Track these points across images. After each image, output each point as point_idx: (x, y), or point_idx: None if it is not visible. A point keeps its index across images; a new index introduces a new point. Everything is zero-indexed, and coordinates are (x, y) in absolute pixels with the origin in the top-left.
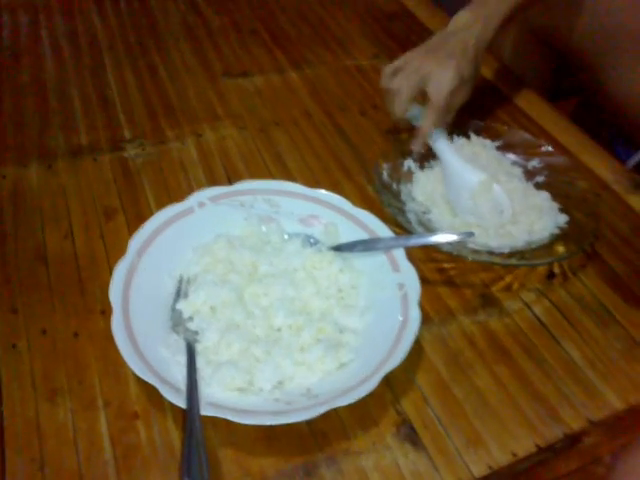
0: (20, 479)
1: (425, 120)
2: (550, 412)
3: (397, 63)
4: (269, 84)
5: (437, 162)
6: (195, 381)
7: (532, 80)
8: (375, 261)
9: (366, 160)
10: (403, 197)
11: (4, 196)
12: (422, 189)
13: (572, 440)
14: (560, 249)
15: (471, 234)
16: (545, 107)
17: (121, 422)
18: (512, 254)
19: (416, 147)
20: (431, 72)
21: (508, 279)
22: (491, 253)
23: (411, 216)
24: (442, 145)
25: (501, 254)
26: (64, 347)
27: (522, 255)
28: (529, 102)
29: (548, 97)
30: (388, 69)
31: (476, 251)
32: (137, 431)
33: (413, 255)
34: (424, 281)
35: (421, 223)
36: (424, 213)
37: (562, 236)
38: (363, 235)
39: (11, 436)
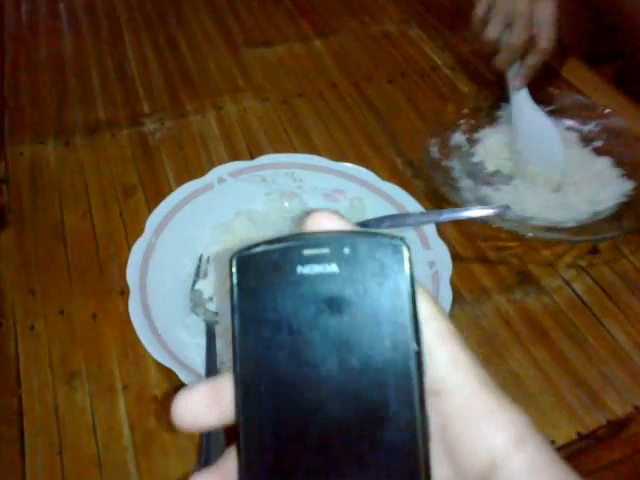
0: (39, 464)
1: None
2: (592, 397)
3: (484, 15)
4: (292, 54)
5: (485, 132)
6: (215, 365)
7: (570, 44)
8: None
9: (394, 131)
10: (456, 174)
11: (22, 174)
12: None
13: (616, 427)
14: (630, 219)
15: (507, 208)
16: (586, 72)
17: (140, 406)
18: (578, 229)
19: (502, 65)
20: (528, 7)
21: (546, 254)
22: (554, 228)
23: (466, 194)
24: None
25: (567, 229)
26: (82, 329)
27: (588, 229)
28: (569, 67)
29: (588, 61)
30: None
31: (539, 227)
32: (156, 416)
33: (444, 227)
34: (456, 258)
35: (479, 201)
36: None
37: (630, 204)
38: (391, 210)
39: (30, 420)
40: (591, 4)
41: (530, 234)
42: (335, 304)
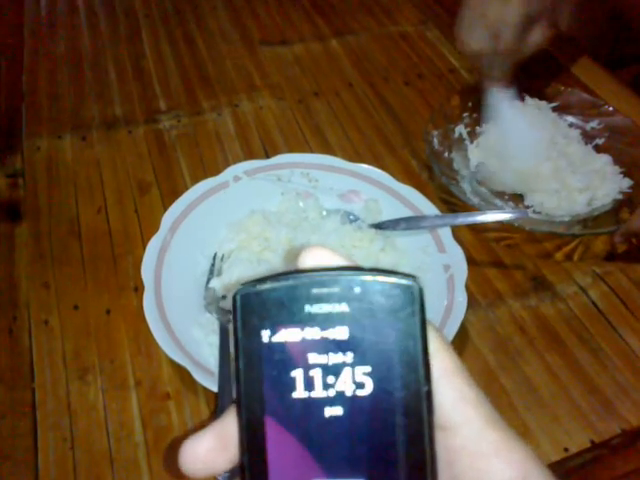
0: (51, 458)
1: (496, 66)
2: (606, 405)
3: (461, 21)
4: (309, 53)
5: (488, 126)
6: (228, 364)
7: (589, 47)
8: (419, 240)
9: (410, 133)
10: (456, 166)
11: (38, 168)
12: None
13: (630, 436)
14: (626, 216)
15: (525, 213)
16: (604, 75)
17: (152, 403)
18: (573, 223)
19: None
20: (495, 11)
21: (561, 259)
22: (551, 221)
23: (465, 186)
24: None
25: (562, 222)
26: (96, 324)
27: (584, 223)
28: (586, 70)
29: (606, 65)
30: (457, 32)
31: (535, 220)
32: (168, 413)
33: (459, 231)
34: (471, 262)
35: (476, 193)
36: (479, 184)
37: (626, 202)
38: (406, 212)
39: (43, 413)
40: (612, 2)
41: (527, 227)
42: (344, 344)
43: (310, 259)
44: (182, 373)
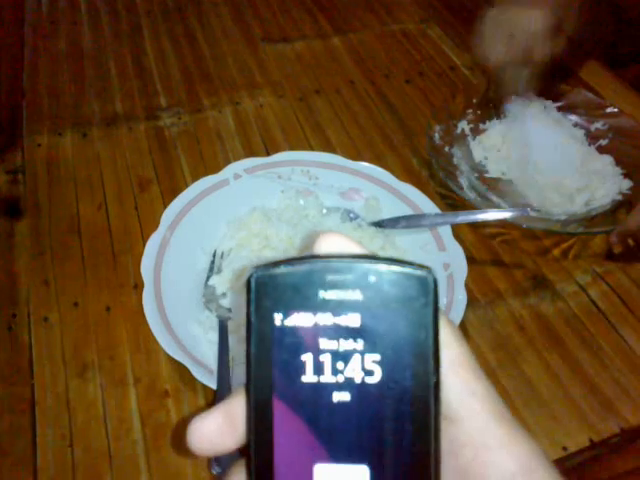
0: (50, 455)
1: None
2: (605, 404)
3: (481, 34)
4: (310, 50)
5: (492, 123)
6: (227, 361)
7: (590, 46)
8: (419, 239)
9: (411, 131)
10: (455, 161)
11: (38, 165)
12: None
13: (629, 435)
14: (623, 217)
15: (525, 211)
16: (606, 74)
17: (151, 400)
18: (570, 221)
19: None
20: (521, 23)
21: (560, 258)
22: (548, 219)
23: (463, 181)
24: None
25: (558, 221)
26: (96, 321)
27: (581, 223)
28: (588, 69)
29: (610, 63)
30: (477, 45)
31: (531, 218)
32: (167, 410)
33: (458, 228)
34: (471, 260)
35: (474, 188)
36: (477, 178)
37: (625, 203)
38: (407, 211)
39: (42, 410)
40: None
41: (524, 225)
42: (356, 331)
43: (326, 245)
44: (181, 370)
